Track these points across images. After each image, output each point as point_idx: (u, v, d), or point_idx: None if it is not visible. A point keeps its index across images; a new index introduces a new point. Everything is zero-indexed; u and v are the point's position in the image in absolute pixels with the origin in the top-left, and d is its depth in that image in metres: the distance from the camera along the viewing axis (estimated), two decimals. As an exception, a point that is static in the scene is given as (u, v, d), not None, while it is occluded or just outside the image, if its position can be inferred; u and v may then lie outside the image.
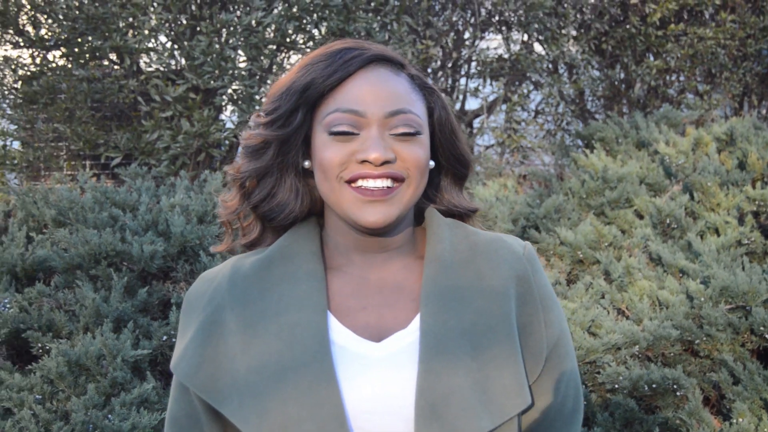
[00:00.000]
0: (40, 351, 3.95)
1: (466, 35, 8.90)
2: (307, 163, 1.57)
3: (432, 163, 1.57)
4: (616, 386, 3.79)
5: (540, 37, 8.76)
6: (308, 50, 7.21)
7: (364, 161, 1.46)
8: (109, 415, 3.41)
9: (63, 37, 7.35)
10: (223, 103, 7.29)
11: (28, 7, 7.38)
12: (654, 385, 3.75)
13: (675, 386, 3.77)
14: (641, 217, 5.45)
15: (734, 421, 3.57)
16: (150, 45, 7.24)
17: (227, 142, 7.34)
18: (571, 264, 5.05)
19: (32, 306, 4.19)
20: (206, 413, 1.51)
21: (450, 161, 1.64)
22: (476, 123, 9.37)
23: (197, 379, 1.48)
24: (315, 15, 7.14)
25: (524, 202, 5.84)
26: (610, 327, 4.04)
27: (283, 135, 1.53)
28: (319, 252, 1.58)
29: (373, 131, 1.47)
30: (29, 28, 7.50)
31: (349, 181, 1.47)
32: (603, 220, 5.41)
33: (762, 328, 3.97)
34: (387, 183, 1.47)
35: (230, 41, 6.99)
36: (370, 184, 1.46)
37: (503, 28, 8.82)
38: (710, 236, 4.97)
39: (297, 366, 1.43)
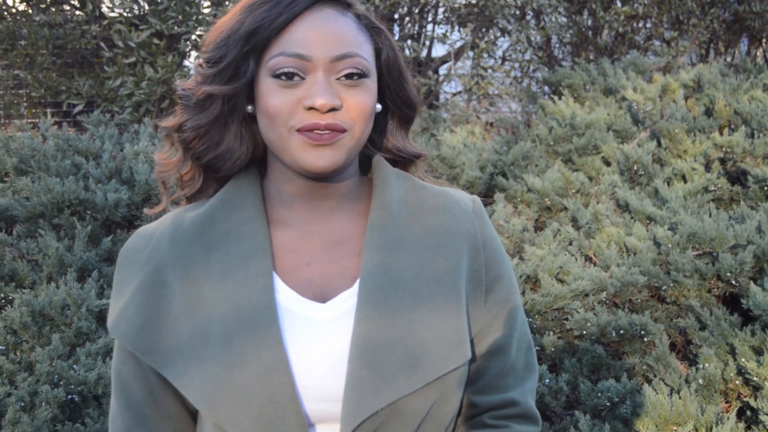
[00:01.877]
0: (3, 301, 3.91)
1: (434, -19, 8.82)
2: (250, 108, 1.50)
3: (379, 107, 1.51)
4: (584, 332, 3.80)
5: (508, -17, 8.70)
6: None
7: (310, 108, 1.39)
8: (75, 366, 3.38)
9: (23, -18, 7.23)
10: (188, 49, 7.19)
11: (-14, -50, 7.24)
12: (621, 331, 3.76)
13: (642, 332, 3.78)
14: (609, 164, 5.45)
15: (701, 366, 3.59)
16: (112, -10, 7.13)
17: (191, 88, 7.25)
18: (539, 211, 5.04)
19: (-6, 256, 4.14)
20: (156, 376, 1.45)
21: (397, 104, 1.58)
22: (443, 70, 9.32)
23: (138, 341, 1.42)
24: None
25: (492, 149, 5.82)
26: (578, 273, 4.05)
27: (231, 89, 1.45)
28: (262, 205, 1.52)
29: (320, 76, 1.40)
30: (-12, -27, 7.36)
31: (299, 130, 1.40)
32: (570, 167, 5.41)
33: (729, 274, 3.99)
34: (329, 131, 1.39)
35: (194, -14, 6.90)
36: (317, 131, 1.39)
37: (471, -27, 8.74)
38: (677, 183, 4.98)
39: (243, 330, 1.38)
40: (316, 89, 1.39)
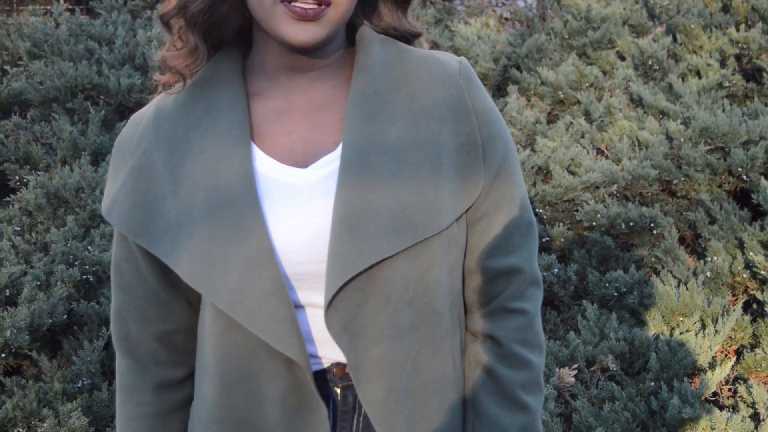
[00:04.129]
0: (18, 183, 3.94)
1: None
2: None
3: None
4: (594, 224, 3.83)
5: None
6: None
7: None
8: (89, 246, 3.43)
9: None
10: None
11: None
12: (631, 223, 3.79)
13: (652, 224, 3.81)
14: (623, 58, 5.42)
15: (709, 259, 3.63)
16: None
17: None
18: (552, 104, 5.03)
19: (8, 139, 4.16)
20: (144, 258, 1.49)
21: None
22: (458, -38, 9.19)
23: (130, 224, 1.45)
24: None
25: (506, 41, 5.78)
26: (589, 166, 4.06)
27: None
28: (241, 80, 1.50)
29: None
30: None
31: (282, 0, 1.35)
32: (585, 61, 5.38)
33: (740, 169, 4.00)
34: (314, 5, 1.34)
35: None
36: (300, 3, 1.34)
37: None
38: (692, 78, 4.95)
39: (223, 202, 1.39)
40: None
